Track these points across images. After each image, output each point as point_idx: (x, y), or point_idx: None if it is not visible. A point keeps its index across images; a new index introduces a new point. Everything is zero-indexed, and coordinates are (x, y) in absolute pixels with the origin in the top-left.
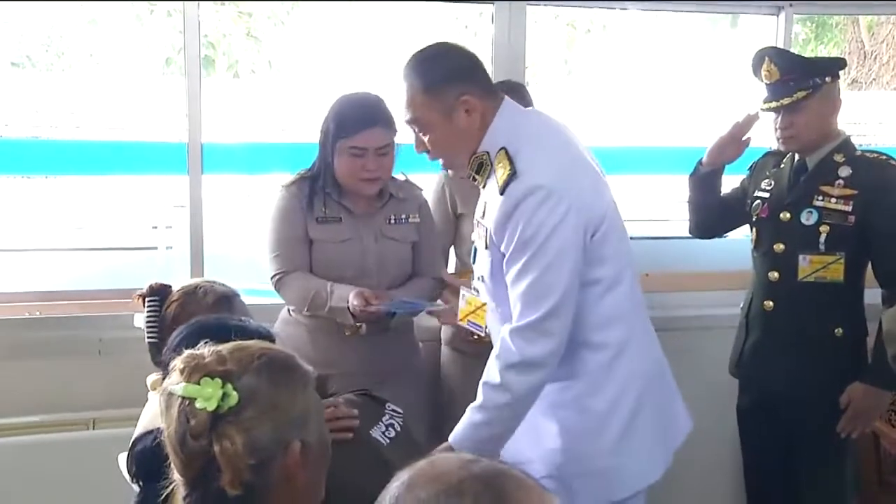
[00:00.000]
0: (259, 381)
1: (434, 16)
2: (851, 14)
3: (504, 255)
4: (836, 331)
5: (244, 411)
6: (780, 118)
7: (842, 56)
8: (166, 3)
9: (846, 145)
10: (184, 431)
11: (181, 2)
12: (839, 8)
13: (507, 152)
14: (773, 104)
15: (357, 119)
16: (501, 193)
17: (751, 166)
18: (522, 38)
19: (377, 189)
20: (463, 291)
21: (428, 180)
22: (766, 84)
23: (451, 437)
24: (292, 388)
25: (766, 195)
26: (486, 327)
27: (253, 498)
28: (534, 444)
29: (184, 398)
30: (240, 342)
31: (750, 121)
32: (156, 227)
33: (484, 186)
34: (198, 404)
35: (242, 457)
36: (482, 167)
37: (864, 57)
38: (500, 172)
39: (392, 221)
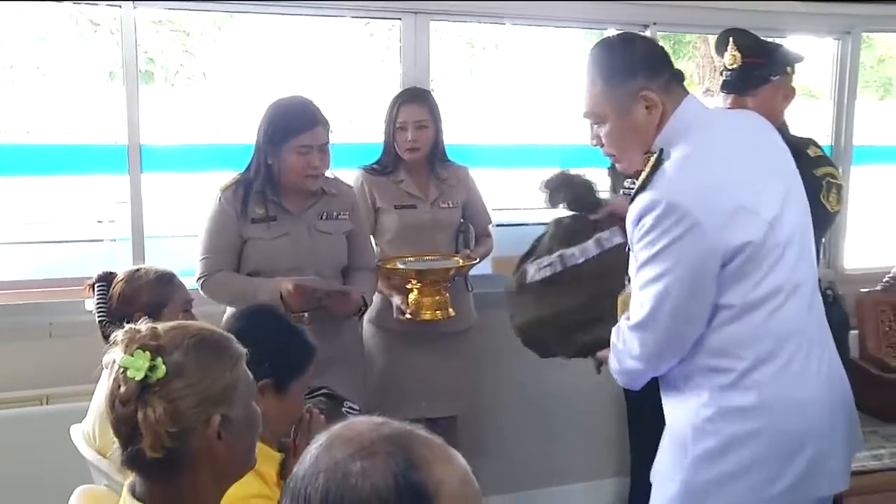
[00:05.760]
0: (187, 359)
1: (348, 30)
2: (705, 33)
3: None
4: None
5: (171, 384)
6: None
7: (690, 69)
8: (109, 17)
9: None
10: (114, 397)
11: (119, 10)
12: (696, 28)
13: (658, 157)
14: None
15: (303, 119)
16: (630, 201)
17: None
18: (426, 49)
19: (319, 184)
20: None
21: (346, 177)
22: None
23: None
24: (220, 366)
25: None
26: None
27: (173, 462)
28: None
29: (120, 367)
30: (181, 321)
31: None
32: (101, 222)
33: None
34: (129, 373)
35: (163, 424)
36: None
37: (714, 70)
38: (641, 179)
39: (324, 217)
